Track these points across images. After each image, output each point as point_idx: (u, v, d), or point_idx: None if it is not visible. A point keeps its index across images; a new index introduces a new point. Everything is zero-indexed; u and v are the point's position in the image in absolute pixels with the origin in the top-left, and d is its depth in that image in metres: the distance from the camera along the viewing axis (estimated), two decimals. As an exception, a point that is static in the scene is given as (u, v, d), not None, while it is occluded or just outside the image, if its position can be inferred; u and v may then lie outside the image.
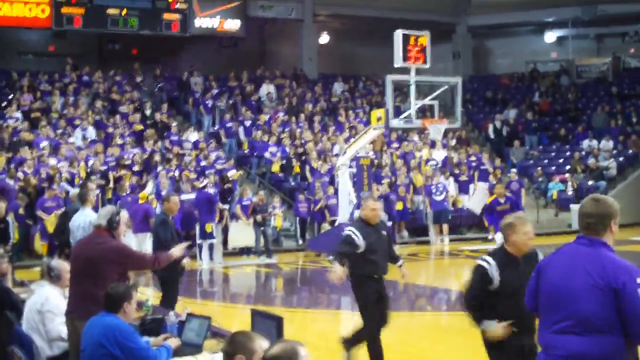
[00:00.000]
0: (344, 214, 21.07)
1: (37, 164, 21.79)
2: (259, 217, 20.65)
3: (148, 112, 27.03)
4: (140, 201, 19.72)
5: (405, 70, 20.79)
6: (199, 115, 28.17)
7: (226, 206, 21.66)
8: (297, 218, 23.09)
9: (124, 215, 7.48)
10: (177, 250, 10.01)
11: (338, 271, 8.73)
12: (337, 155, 24.01)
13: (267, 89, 30.08)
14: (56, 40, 30.94)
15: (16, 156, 21.91)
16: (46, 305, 7.64)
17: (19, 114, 24.72)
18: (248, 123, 27.32)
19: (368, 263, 8.77)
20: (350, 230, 8.84)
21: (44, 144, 22.91)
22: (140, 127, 25.76)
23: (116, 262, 7.15)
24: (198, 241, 20.28)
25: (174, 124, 26.47)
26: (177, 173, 22.98)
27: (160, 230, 10.88)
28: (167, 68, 31.73)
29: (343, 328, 13.23)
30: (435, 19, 32.98)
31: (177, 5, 29.65)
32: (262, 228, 20.77)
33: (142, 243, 18.44)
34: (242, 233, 21.34)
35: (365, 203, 9.12)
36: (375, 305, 8.88)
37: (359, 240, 8.68)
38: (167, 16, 29.42)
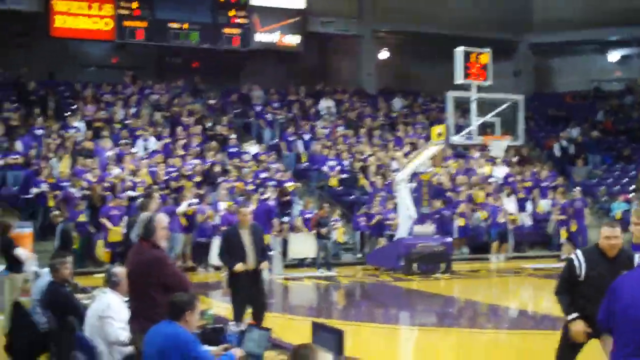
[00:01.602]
0: (402, 229, 20.93)
1: (102, 173, 22.07)
2: (323, 230, 20.65)
3: (209, 124, 27.18)
4: (227, 210, 20.01)
5: (465, 87, 20.61)
6: (259, 128, 28.25)
7: (285, 218, 21.68)
8: (356, 232, 23.02)
9: (161, 219, 7.44)
10: (239, 266, 10.03)
11: (578, 326, 7.06)
12: (396, 170, 23.87)
13: (326, 103, 30.08)
14: (118, 52, 31.35)
15: (78, 165, 22.19)
16: (107, 311, 7.67)
17: (82, 124, 25.05)
18: (307, 137, 27.33)
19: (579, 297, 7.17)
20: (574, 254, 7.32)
21: (109, 153, 23.19)
22: (200, 138, 25.92)
23: (153, 275, 7.14)
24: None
25: (234, 136, 26.57)
26: (235, 185, 23.10)
27: (224, 240, 10.89)
28: (228, 81, 31.94)
29: (402, 343, 13.11)
30: (497, 37, 32.66)
31: (238, 20, 29.84)
32: (324, 241, 20.76)
33: None
34: (302, 245, 21.37)
35: (601, 229, 7.27)
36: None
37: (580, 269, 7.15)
38: (227, 31, 29.64)
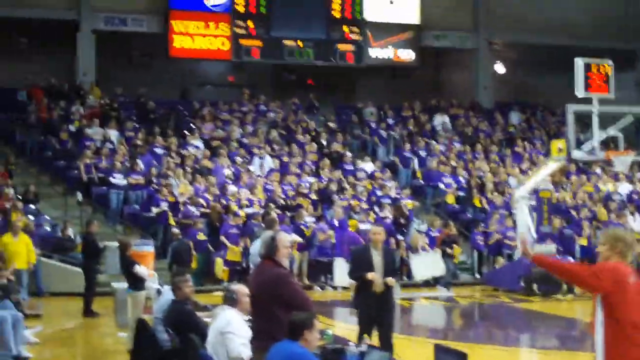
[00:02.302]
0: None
1: (220, 192, 22.39)
2: (455, 249, 20.47)
3: (324, 141, 27.27)
4: (351, 229, 20.05)
5: (586, 100, 20.02)
6: (374, 145, 28.16)
7: (401, 237, 21.50)
8: (474, 251, 22.62)
9: (283, 238, 7.41)
10: (371, 276, 9.83)
11: None
12: (514, 187, 23.34)
13: (441, 118, 29.75)
14: (235, 71, 31.87)
15: (197, 184, 22.56)
16: (227, 327, 7.69)
17: (200, 143, 25.49)
18: (423, 153, 27.07)
19: None
20: None
21: (226, 171, 23.50)
22: (315, 156, 26.00)
23: (276, 293, 7.14)
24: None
25: (349, 153, 26.56)
26: (351, 202, 23.06)
27: (354, 259, 10.60)
28: (342, 98, 32.01)
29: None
30: (616, 46, 31.68)
31: (352, 36, 29.90)
32: (449, 260, 20.57)
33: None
34: (426, 264, 21.11)
35: None
36: None
37: None
38: (341, 47, 29.73)
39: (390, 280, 10.14)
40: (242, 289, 7.98)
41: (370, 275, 9.93)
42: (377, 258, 10.04)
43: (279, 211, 21.14)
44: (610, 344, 5.88)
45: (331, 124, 28.91)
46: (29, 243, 17.79)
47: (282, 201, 22.35)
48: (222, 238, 20.53)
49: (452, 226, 21.31)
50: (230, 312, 7.93)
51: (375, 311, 10.04)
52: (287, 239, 7.53)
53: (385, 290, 10.03)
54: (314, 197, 23.05)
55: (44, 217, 21.50)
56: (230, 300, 8.02)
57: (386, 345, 9.79)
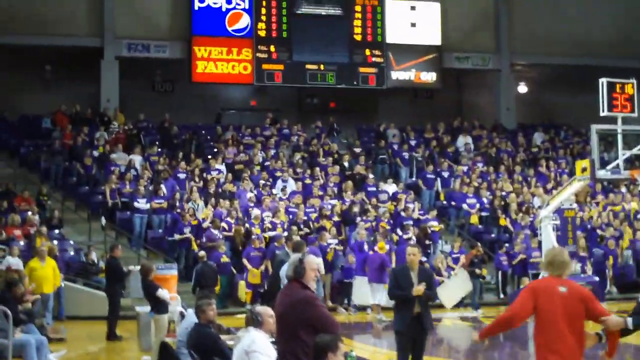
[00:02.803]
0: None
1: (243, 215, 22.44)
2: (478, 271, 20.39)
3: (346, 163, 27.28)
4: (380, 250, 20.00)
5: (609, 119, 19.90)
6: (397, 167, 28.12)
7: (425, 259, 21.39)
8: (498, 271, 22.48)
9: (311, 260, 7.38)
10: (416, 290, 9.72)
11: None
12: (539, 207, 23.20)
13: (464, 139, 29.68)
14: (257, 95, 31.99)
15: (220, 208, 22.62)
16: (252, 345, 7.62)
17: (222, 167, 25.58)
18: (446, 174, 26.99)
19: None
20: None
21: (250, 195, 23.57)
22: (338, 178, 26.01)
23: (302, 315, 7.11)
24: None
25: (371, 175, 26.52)
26: (374, 224, 23.02)
27: (394, 278, 10.33)
28: (364, 120, 32.05)
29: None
30: (639, 65, 31.55)
31: (374, 59, 29.98)
32: (478, 280, 20.50)
33: (376, 292, 18.77)
34: (453, 289, 20.99)
35: None
36: None
37: None
38: (363, 70, 29.82)
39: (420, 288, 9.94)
40: (266, 311, 7.94)
41: (415, 291, 9.79)
42: (414, 280, 9.95)
43: (302, 233, 21.17)
44: None
45: (356, 149, 28.83)
46: (55, 267, 17.93)
47: (304, 224, 22.31)
48: (244, 261, 20.56)
49: (479, 246, 21.22)
50: (255, 332, 7.89)
51: (414, 332, 9.94)
52: (315, 261, 7.51)
53: (423, 311, 9.95)
54: (336, 219, 23.00)
55: (69, 242, 21.63)
56: (255, 321, 7.98)
57: None
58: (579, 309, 6.77)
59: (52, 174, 25.09)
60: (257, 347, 7.62)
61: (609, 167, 20.10)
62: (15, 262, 18.09)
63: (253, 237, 21.18)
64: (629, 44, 32.48)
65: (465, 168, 27.54)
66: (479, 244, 21.62)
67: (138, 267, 17.43)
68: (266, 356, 7.55)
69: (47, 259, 17.77)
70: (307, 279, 7.32)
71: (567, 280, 7.01)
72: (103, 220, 22.49)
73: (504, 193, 25.87)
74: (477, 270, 20.42)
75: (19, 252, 18.71)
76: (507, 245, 22.99)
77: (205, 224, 21.84)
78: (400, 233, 22.77)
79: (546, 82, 34.57)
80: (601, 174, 19.89)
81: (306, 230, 21.98)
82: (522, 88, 34.58)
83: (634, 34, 32.77)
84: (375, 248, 20.42)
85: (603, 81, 19.56)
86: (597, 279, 20.69)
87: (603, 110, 19.46)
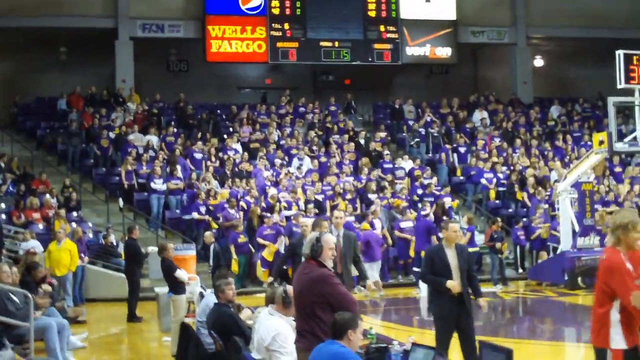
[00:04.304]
0: (566, 241, 20.25)
1: (260, 194, 22.49)
2: (498, 245, 20.37)
3: (362, 140, 27.24)
4: (362, 231, 19.90)
5: (627, 92, 19.80)
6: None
7: (441, 234, 21.37)
8: (516, 246, 22.44)
9: (328, 239, 7.37)
10: (450, 284, 9.51)
11: None
12: (556, 181, 23.12)
13: (480, 114, 29.56)
14: (272, 73, 31.98)
15: (236, 187, 22.66)
16: (274, 344, 7.58)
17: (238, 146, 25.60)
18: (462, 150, 26.93)
19: None
20: None
21: (267, 174, 23.59)
22: (354, 156, 25.99)
23: (319, 293, 7.10)
24: (415, 269, 20.13)
25: (387, 152, 26.47)
26: (391, 201, 23.02)
27: (428, 260, 9.76)
28: (380, 96, 31.97)
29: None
30: (659, 36, 31.30)
31: (388, 35, 29.84)
32: (499, 256, 20.45)
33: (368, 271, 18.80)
34: None
35: None
36: None
37: None
38: (378, 46, 29.70)
39: (482, 302, 9.66)
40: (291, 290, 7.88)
41: (449, 284, 9.27)
42: (452, 258, 9.42)
43: (316, 211, 21.21)
44: None
45: (368, 122, 28.69)
46: (74, 250, 18.03)
47: (316, 202, 22.32)
48: (259, 239, 20.60)
49: (499, 222, 21.19)
50: (278, 320, 7.80)
51: (455, 315, 9.40)
52: (332, 240, 7.48)
53: (465, 291, 9.42)
54: (350, 196, 22.94)
55: (87, 224, 21.75)
56: (285, 302, 7.93)
57: (469, 352, 9.19)
58: None
59: (69, 156, 25.20)
60: (279, 346, 7.56)
61: (627, 139, 20.02)
62: (35, 244, 18.25)
63: (266, 216, 21.19)
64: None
65: (482, 143, 27.42)
66: (498, 219, 21.55)
67: (157, 248, 17.57)
68: (288, 355, 7.51)
69: (64, 241, 17.91)
70: (324, 257, 7.30)
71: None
72: (121, 202, 22.59)
73: (521, 167, 25.78)
74: (498, 245, 20.38)
75: (34, 235, 18.86)
76: (524, 219, 22.93)
77: (222, 204, 21.89)
78: (422, 209, 22.69)
79: (562, 55, 34.35)
80: (619, 146, 19.85)
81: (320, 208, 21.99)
82: (539, 62, 34.37)
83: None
84: (360, 227, 20.43)
85: (620, 53, 19.44)
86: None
87: (620, 83, 19.38)
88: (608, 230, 6.68)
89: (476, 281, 9.77)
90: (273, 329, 7.70)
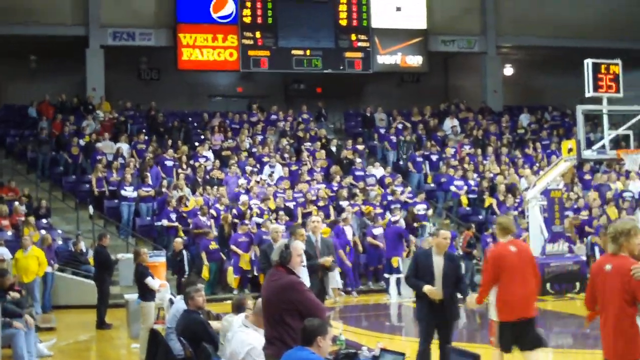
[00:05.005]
0: (535, 247, 20.38)
1: (231, 202, 22.48)
2: (475, 252, 20.47)
3: (334, 148, 27.31)
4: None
5: (595, 100, 20.01)
6: (384, 151, 28.18)
7: (414, 239, 21.51)
8: (485, 252, 22.54)
9: (296, 246, 7.39)
10: (428, 289, 9.48)
11: None
12: (526, 188, 23.30)
13: (451, 122, 29.74)
14: (243, 82, 31.97)
15: (207, 195, 22.64)
16: (248, 358, 7.57)
17: (210, 154, 25.58)
18: (434, 157, 27.08)
19: None
20: None
21: (241, 181, 23.60)
22: (325, 163, 26.06)
23: (288, 300, 7.10)
24: (385, 275, 20.23)
25: (359, 160, 26.56)
26: (363, 208, 23.10)
27: (414, 264, 9.86)
28: (352, 104, 32.07)
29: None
30: (625, 46, 31.64)
31: (359, 44, 29.95)
32: (473, 261, 20.59)
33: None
34: None
35: None
36: None
37: None
38: (349, 55, 29.79)
39: (469, 299, 9.74)
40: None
41: (426, 289, 9.43)
42: (438, 265, 9.54)
43: (287, 218, 21.25)
44: None
45: (340, 130, 28.80)
46: (40, 256, 17.94)
47: (287, 210, 22.35)
48: (232, 247, 20.60)
49: (473, 228, 21.32)
50: (252, 335, 7.76)
51: (433, 322, 9.61)
52: (301, 247, 7.50)
53: (448, 299, 9.55)
54: (322, 203, 23.02)
55: (57, 231, 21.61)
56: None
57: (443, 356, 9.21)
58: None
59: (39, 163, 25.04)
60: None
61: (595, 147, 20.21)
62: (3, 251, 18.12)
63: (239, 223, 21.20)
64: (615, 25, 32.52)
65: (452, 151, 27.61)
66: (472, 225, 21.68)
67: (127, 255, 17.52)
68: None
69: (31, 248, 17.83)
70: (293, 264, 7.31)
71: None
72: (91, 209, 22.49)
73: (491, 175, 25.97)
74: (475, 251, 20.53)
75: (2, 243, 18.72)
76: (494, 226, 23.02)
77: (193, 211, 21.86)
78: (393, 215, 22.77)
79: (532, 64, 34.66)
80: (587, 154, 20.01)
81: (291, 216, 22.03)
82: (508, 70, 34.67)
83: (619, 14, 32.82)
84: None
85: (588, 62, 19.63)
86: (584, 258, 20.79)
87: (589, 91, 19.55)
88: (606, 239, 6.72)
89: (464, 285, 10.06)
90: (247, 343, 7.67)
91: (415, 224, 22.60)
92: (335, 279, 17.68)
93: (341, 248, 20.28)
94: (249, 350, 7.58)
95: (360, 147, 27.76)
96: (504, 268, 9.22)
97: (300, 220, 21.56)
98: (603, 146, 19.97)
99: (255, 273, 19.95)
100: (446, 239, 9.69)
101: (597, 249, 21.75)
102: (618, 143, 21.28)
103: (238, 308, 8.89)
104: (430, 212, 23.82)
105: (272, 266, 7.50)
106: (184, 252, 18.30)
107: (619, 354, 6.48)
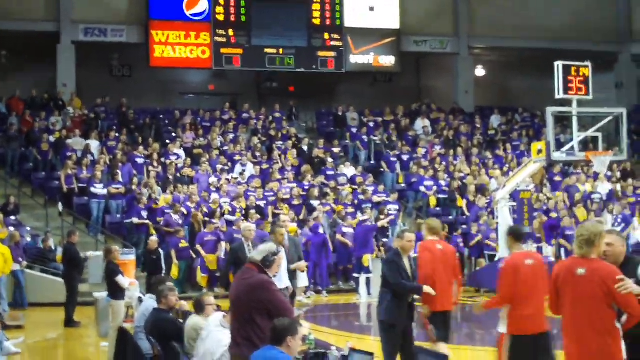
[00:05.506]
0: (503, 248, 20.51)
1: (200, 200, 22.43)
2: None
3: (305, 147, 27.33)
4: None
5: (565, 102, 20.18)
6: (356, 150, 28.23)
7: (385, 239, 21.58)
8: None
9: (281, 257, 7.43)
10: (428, 289, 9.56)
11: None
12: (496, 189, 23.44)
13: (422, 123, 29.85)
14: (215, 79, 31.89)
15: (178, 192, 22.58)
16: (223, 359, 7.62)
17: (181, 151, 25.50)
18: (406, 157, 27.16)
19: None
20: None
21: (212, 179, 23.54)
22: (297, 162, 26.07)
23: (257, 300, 7.09)
24: (355, 275, 20.28)
25: (330, 159, 26.60)
26: (334, 207, 23.15)
27: (386, 270, 9.70)
28: (324, 103, 32.09)
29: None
30: (596, 49, 31.97)
31: (332, 43, 29.98)
32: None
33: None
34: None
35: None
36: None
37: None
38: (322, 54, 29.81)
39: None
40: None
41: (426, 290, 9.50)
42: (407, 267, 9.60)
43: (258, 216, 21.22)
44: None
45: (312, 129, 28.85)
46: (7, 253, 17.72)
47: (258, 208, 22.34)
48: (198, 247, 20.55)
49: (446, 228, 21.43)
50: (227, 334, 7.76)
51: (403, 324, 9.60)
52: (283, 258, 7.60)
53: (411, 300, 9.62)
54: (295, 202, 23.07)
55: (25, 228, 21.43)
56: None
57: (409, 358, 9.34)
58: None
59: (8, 159, 24.81)
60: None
61: (564, 149, 20.36)
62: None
63: (207, 221, 21.14)
64: (585, 27, 32.84)
65: (423, 151, 27.71)
66: (446, 225, 21.79)
67: (97, 253, 17.42)
68: None
69: (-3, 246, 17.65)
70: (270, 270, 7.34)
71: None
72: (60, 206, 22.33)
73: (461, 175, 26.10)
74: None
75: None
76: (463, 227, 23.20)
77: (163, 209, 21.79)
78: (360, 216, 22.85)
79: (504, 66, 34.91)
80: (556, 155, 20.13)
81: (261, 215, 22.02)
82: (480, 71, 34.86)
83: (590, 17, 33.16)
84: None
85: (558, 64, 19.76)
86: (552, 259, 20.94)
87: (559, 93, 19.67)
88: (579, 241, 6.67)
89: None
90: (224, 343, 7.68)
91: (381, 223, 22.55)
92: (302, 279, 17.79)
93: (318, 245, 20.41)
94: (224, 352, 7.59)
95: (337, 150, 27.80)
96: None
97: (270, 219, 21.60)
98: (572, 148, 20.11)
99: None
100: (410, 242, 9.66)
101: (562, 251, 21.98)
102: (587, 145, 21.44)
103: (199, 307, 8.90)
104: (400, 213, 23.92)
105: (244, 264, 7.51)
106: (160, 250, 18.23)
107: (605, 352, 6.47)
